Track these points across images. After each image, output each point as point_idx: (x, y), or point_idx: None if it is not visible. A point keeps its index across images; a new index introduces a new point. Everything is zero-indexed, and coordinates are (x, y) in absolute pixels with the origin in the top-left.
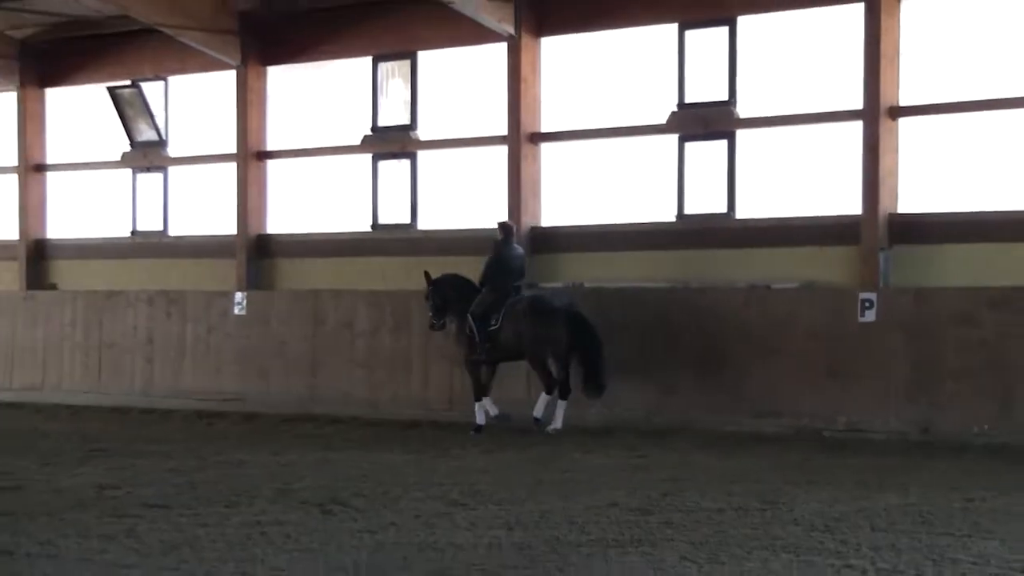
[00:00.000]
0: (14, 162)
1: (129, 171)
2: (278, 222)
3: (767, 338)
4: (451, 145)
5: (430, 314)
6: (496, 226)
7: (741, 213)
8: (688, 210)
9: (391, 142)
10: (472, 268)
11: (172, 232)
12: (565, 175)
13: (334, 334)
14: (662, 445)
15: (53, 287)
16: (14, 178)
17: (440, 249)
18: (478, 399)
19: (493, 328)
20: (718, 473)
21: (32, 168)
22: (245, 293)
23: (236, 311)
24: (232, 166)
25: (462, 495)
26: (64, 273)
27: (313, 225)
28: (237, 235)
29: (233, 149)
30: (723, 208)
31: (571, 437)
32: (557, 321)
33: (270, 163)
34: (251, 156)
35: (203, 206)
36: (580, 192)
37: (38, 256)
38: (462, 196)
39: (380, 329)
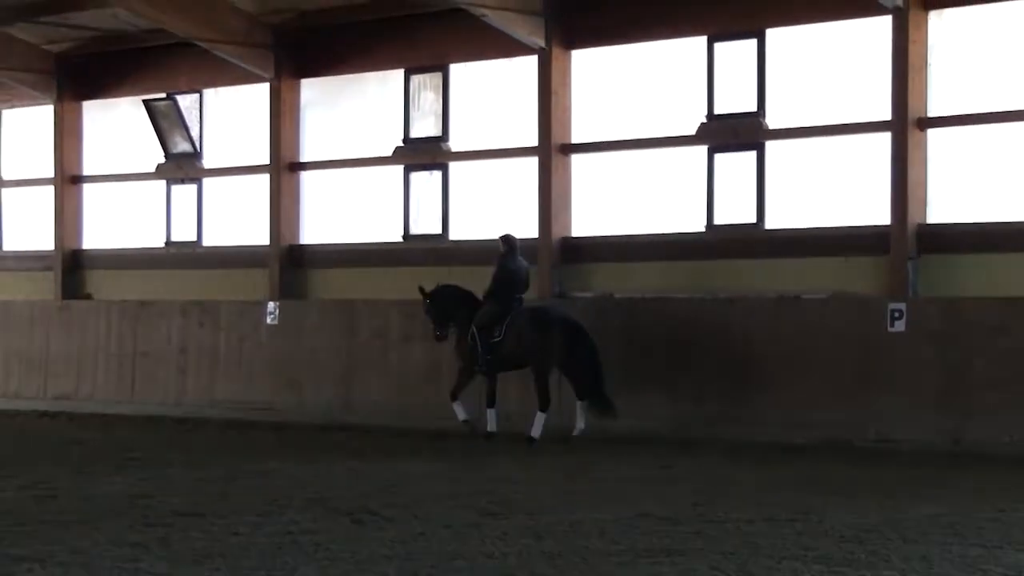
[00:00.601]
0: (51, 174)
1: (164, 183)
2: (311, 233)
3: (796, 348)
4: (482, 156)
5: (432, 327)
6: (499, 239)
7: (770, 223)
8: (717, 220)
9: (423, 154)
10: None
11: (206, 243)
12: (595, 186)
13: (366, 344)
14: (691, 456)
15: (88, 297)
16: (51, 190)
17: (471, 259)
18: (491, 405)
19: (496, 340)
20: (747, 484)
21: (68, 180)
22: (278, 303)
23: (269, 321)
24: (265, 177)
25: (492, 505)
26: (99, 283)
27: (345, 236)
28: (270, 245)
29: (266, 160)
30: (752, 218)
31: (600, 447)
32: (555, 331)
33: (303, 174)
34: (284, 167)
35: (237, 217)
36: (610, 203)
37: (74, 266)
38: (493, 207)
39: (412, 339)
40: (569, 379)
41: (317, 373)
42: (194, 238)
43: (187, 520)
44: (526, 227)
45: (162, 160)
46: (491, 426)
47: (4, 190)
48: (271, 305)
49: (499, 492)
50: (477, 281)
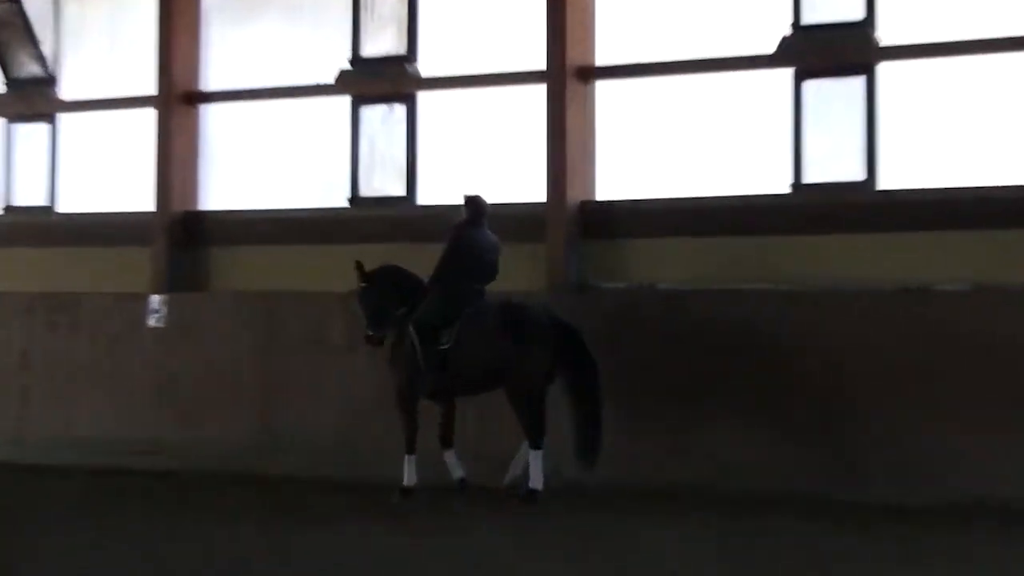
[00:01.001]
0: None
1: (1, 121)
2: (216, 194)
3: (920, 364)
4: (465, 84)
5: (365, 323)
6: (463, 202)
7: (884, 182)
8: (809, 177)
9: (380, 80)
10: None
11: (62, 208)
12: (629, 127)
13: (296, 355)
14: (758, 516)
15: None
16: None
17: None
18: (409, 451)
19: (444, 348)
20: (841, 559)
21: None
22: (166, 296)
23: (153, 322)
24: (150, 113)
25: None
26: None
27: (266, 199)
28: (156, 213)
29: (152, 90)
30: (859, 174)
31: (626, 502)
32: (545, 339)
33: (205, 109)
34: (177, 99)
35: (108, 171)
36: (651, 152)
37: None
38: (481, 158)
39: (362, 347)
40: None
41: (224, 398)
42: (45, 202)
43: None
44: (531, 187)
45: None
46: (456, 471)
47: None
48: (156, 300)
49: (484, 571)
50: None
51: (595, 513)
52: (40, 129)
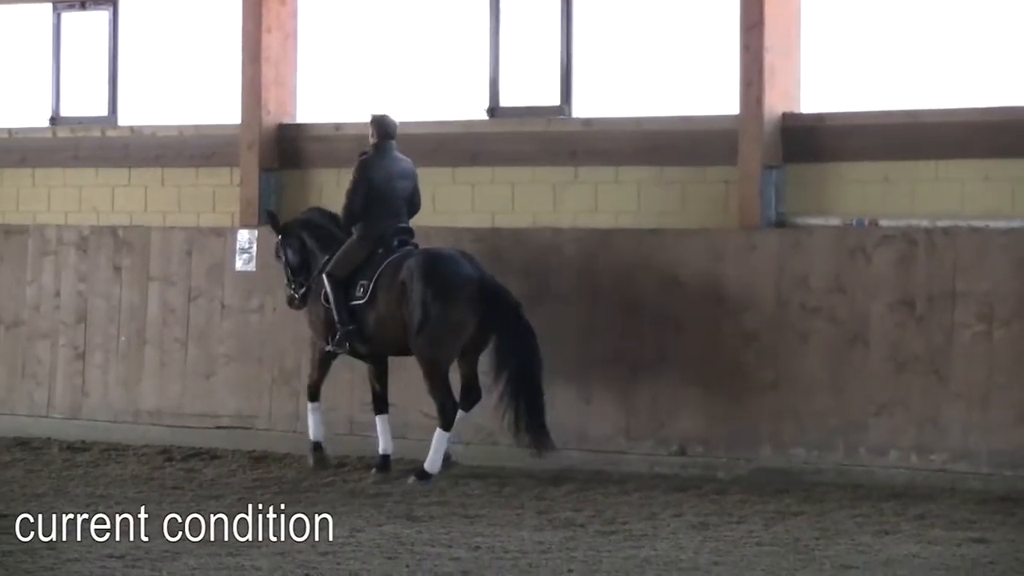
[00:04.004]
0: None
1: (49, 7)
2: (317, 104)
3: None
4: None
5: (286, 281)
6: (370, 122)
7: None
8: None
9: None
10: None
11: (124, 120)
12: (844, 14)
13: None
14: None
15: None
16: None
17: (613, 153)
18: (312, 399)
19: (359, 302)
20: None
21: None
22: (256, 232)
23: (240, 264)
24: (234, 1)
25: None
26: None
27: (379, 109)
28: (242, 126)
29: None
30: None
31: (709, 490)
32: (465, 295)
33: None
34: None
35: (182, 73)
36: (869, 51)
37: None
38: (652, 55)
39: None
40: (468, 382)
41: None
42: (104, 112)
43: None
44: (719, 95)
45: None
46: (383, 446)
47: None
48: (244, 235)
49: None
50: (622, 196)
51: None
52: (97, 19)
